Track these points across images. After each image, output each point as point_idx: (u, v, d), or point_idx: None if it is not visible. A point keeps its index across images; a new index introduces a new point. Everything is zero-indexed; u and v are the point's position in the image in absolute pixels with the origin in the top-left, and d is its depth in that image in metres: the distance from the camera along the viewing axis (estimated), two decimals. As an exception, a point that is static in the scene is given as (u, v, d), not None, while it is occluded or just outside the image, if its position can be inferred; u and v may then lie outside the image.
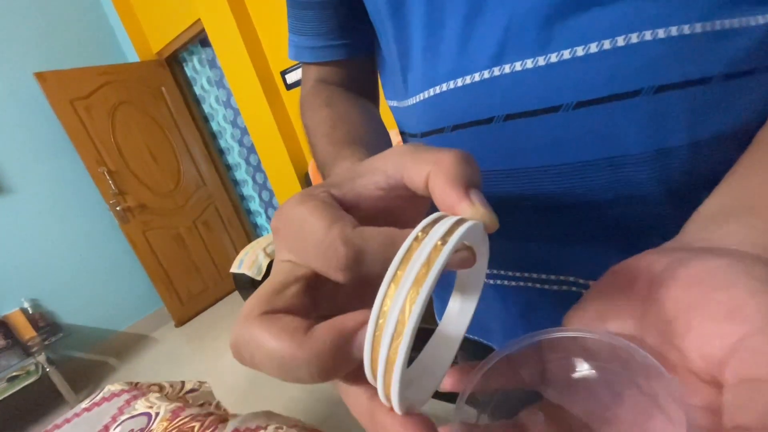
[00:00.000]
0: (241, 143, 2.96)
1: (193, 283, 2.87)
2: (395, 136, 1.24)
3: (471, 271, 0.18)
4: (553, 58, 0.22)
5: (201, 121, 3.07)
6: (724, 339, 0.12)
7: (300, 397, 1.65)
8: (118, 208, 2.51)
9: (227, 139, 3.07)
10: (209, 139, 3.11)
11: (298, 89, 2.22)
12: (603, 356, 0.16)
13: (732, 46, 0.20)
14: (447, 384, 0.19)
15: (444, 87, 0.27)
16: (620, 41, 0.21)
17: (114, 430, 0.84)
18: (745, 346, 0.12)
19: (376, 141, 0.28)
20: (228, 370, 2.03)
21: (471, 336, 0.41)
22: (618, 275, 0.17)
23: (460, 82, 0.26)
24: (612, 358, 0.16)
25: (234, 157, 3.11)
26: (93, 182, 2.48)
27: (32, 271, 2.35)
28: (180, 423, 0.80)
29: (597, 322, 0.17)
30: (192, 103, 3.01)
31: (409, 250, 0.13)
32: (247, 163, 3.01)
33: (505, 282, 0.32)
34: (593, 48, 0.21)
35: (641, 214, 0.24)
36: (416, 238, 0.13)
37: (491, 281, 0.33)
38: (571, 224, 0.26)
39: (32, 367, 2.08)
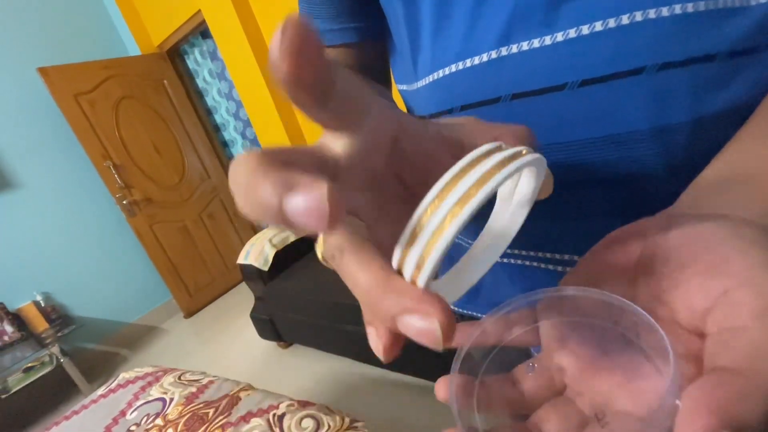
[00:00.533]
0: (244, 135, 2.97)
1: (201, 275, 2.90)
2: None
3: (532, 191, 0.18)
4: (559, 37, 0.23)
5: (204, 113, 3.07)
6: (708, 292, 0.13)
7: (307, 386, 1.68)
8: (124, 202, 2.53)
9: (231, 132, 3.07)
10: (212, 132, 3.11)
11: (300, 80, 2.21)
12: (596, 313, 0.17)
13: (734, 25, 0.20)
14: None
15: (453, 68, 0.27)
16: (624, 19, 0.21)
17: (130, 414, 0.87)
18: (727, 298, 0.12)
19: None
20: (236, 361, 2.07)
21: (476, 313, 0.41)
22: (612, 240, 0.18)
23: (468, 63, 0.26)
24: (604, 314, 0.16)
25: (238, 149, 3.11)
26: (99, 176, 2.50)
27: (43, 265, 2.39)
28: (194, 408, 0.82)
29: (591, 284, 0.17)
30: (194, 95, 3.01)
31: (462, 171, 0.12)
32: (251, 155, 3.02)
33: (512, 260, 0.32)
34: (598, 26, 0.22)
35: (645, 191, 0.24)
36: (472, 162, 0.13)
37: (499, 259, 0.33)
38: (576, 202, 0.27)
39: (46, 358, 2.12)
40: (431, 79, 0.29)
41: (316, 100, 0.13)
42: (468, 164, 0.13)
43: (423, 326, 0.11)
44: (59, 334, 2.20)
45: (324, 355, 1.81)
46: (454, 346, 0.19)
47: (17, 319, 2.22)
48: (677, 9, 0.20)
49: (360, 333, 1.47)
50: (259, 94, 2.25)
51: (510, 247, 0.32)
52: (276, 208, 0.10)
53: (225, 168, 3.14)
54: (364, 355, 1.59)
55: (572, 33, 0.22)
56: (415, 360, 1.35)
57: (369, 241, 0.14)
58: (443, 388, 0.18)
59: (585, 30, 0.22)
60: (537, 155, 0.14)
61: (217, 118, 3.10)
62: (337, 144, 0.14)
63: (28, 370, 2.10)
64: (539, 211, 0.29)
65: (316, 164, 0.14)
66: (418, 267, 0.12)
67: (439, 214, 0.12)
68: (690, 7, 0.20)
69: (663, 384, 0.13)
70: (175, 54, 2.88)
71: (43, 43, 2.45)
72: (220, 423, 0.74)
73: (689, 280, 0.14)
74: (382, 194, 0.16)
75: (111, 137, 2.52)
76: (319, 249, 0.16)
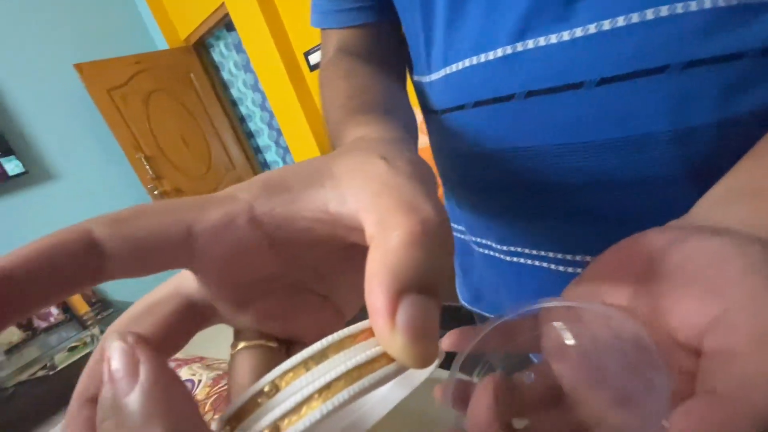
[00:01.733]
0: (270, 126, 3.02)
1: (228, 263, 3.01)
2: (419, 115, 1.21)
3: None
4: (578, 32, 0.22)
5: (229, 105, 3.14)
6: (707, 311, 0.13)
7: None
8: (155, 192, 2.64)
9: (257, 122, 3.13)
10: (237, 123, 3.18)
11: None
12: (595, 326, 0.17)
13: (766, 21, 0.19)
14: (446, 344, 0.20)
15: (466, 63, 0.26)
16: (649, 14, 0.20)
17: (162, 394, 0.92)
18: (725, 319, 0.12)
19: (397, 113, 0.26)
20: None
21: (482, 312, 0.41)
22: (618, 251, 0.18)
23: (482, 58, 0.25)
24: (605, 327, 0.16)
25: (264, 139, 3.17)
26: (132, 168, 2.61)
27: (83, 252, 2.54)
28: (220, 389, 0.86)
29: (594, 295, 0.17)
30: (220, 87, 3.08)
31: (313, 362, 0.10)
32: (277, 144, 3.07)
33: (521, 259, 0.32)
34: (620, 21, 0.21)
35: (661, 195, 0.23)
36: (298, 367, 0.10)
37: (507, 258, 0.33)
38: (590, 203, 0.26)
39: (88, 339, 2.28)
40: (444, 73, 0.29)
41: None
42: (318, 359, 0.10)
43: None
44: (99, 317, 2.35)
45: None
46: (455, 350, 0.19)
47: (62, 302, 2.38)
48: (707, 3, 0.19)
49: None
50: (282, 85, 2.28)
51: (519, 245, 0.32)
52: None
53: (249, 158, 3.21)
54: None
55: (592, 28, 0.21)
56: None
57: None
58: (444, 389, 0.18)
59: (606, 25, 0.21)
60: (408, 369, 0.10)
61: (243, 110, 3.17)
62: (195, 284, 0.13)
63: (72, 349, 2.26)
64: (550, 212, 0.28)
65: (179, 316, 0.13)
66: None
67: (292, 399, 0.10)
68: (721, 1, 0.19)
69: (655, 401, 0.13)
70: (201, 47, 2.94)
71: (78, 40, 2.56)
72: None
73: (689, 297, 0.13)
74: (292, 293, 0.14)
75: (142, 130, 2.62)
76: None
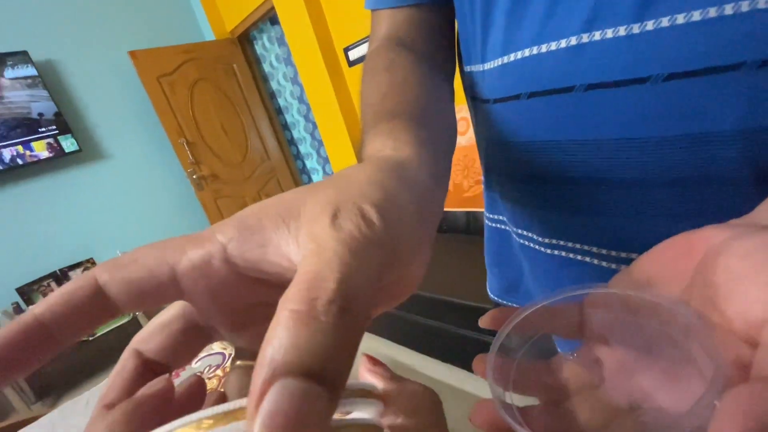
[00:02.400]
0: (306, 118, 3.09)
1: (256, 249, 3.11)
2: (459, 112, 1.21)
3: None
4: (649, 26, 0.21)
5: (268, 97, 3.23)
6: (766, 303, 0.12)
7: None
8: (194, 176, 2.76)
9: (293, 114, 3.20)
10: (274, 115, 3.27)
11: (359, 66, 2.25)
12: (644, 314, 0.17)
13: None
14: (486, 322, 0.20)
15: (526, 53, 0.26)
16: (728, 9, 0.19)
17: (195, 363, 0.97)
18: None
19: (431, 115, 0.25)
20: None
21: (513, 304, 0.41)
22: (672, 245, 0.17)
23: (544, 48, 0.25)
24: (653, 316, 0.16)
25: (300, 131, 3.25)
26: (174, 152, 2.74)
27: (125, 227, 2.70)
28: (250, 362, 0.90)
29: (643, 285, 0.17)
30: (260, 79, 3.17)
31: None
32: (312, 137, 3.14)
33: (562, 253, 0.32)
34: (696, 16, 0.20)
35: (721, 196, 0.22)
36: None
37: (548, 250, 0.33)
38: (645, 200, 0.25)
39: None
40: (501, 62, 0.28)
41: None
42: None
43: None
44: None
45: (366, 336, 1.87)
46: (496, 329, 0.19)
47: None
48: None
49: (394, 315, 1.50)
50: (321, 79, 2.33)
51: (563, 239, 0.31)
52: None
53: (284, 150, 3.30)
54: (399, 336, 1.62)
55: (665, 22, 0.20)
56: (453, 348, 1.36)
57: None
58: (481, 363, 0.18)
59: (680, 19, 0.20)
60: None
61: (281, 102, 3.25)
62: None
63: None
64: (602, 207, 0.27)
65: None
66: None
67: None
68: None
69: (706, 386, 0.13)
70: (245, 39, 3.04)
71: (133, 28, 2.71)
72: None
73: (747, 291, 0.13)
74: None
75: (185, 116, 2.75)
76: None
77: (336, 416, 0.15)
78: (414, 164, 0.18)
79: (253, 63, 3.13)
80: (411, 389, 0.12)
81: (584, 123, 0.25)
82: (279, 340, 0.09)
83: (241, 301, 0.14)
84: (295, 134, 3.31)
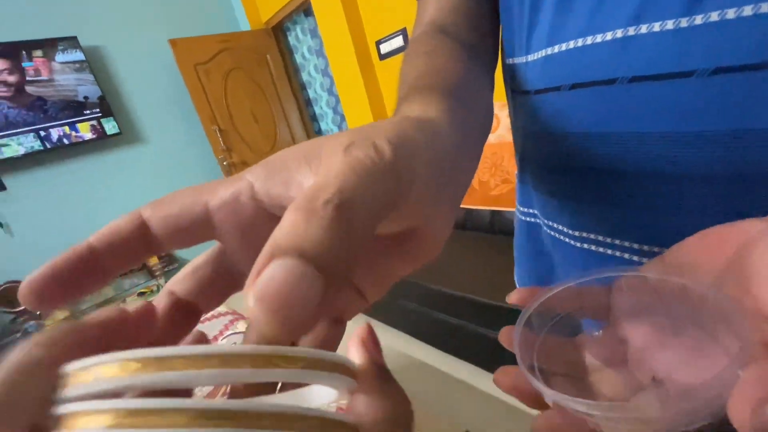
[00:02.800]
0: (335, 110, 3.12)
1: (280, 237, 3.19)
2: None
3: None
4: (698, 20, 0.21)
5: (298, 88, 3.28)
6: None
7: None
8: (224, 163, 2.85)
9: (322, 106, 3.25)
10: (303, 106, 3.32)
11: (390, 60, 2.25)
12: (672, 297, 0.17)
13: None
14: (514, 298, 0.20)
15: (571, 44, 0.26)
16: None
17: (222, 340, 1.02)
18: None
19: (467, 96, 0.25)
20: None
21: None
22: (708, 235, 0.17)
23: (590, 41, 0.25)
24: (682, 299, 0.16)
25: (327, 123, 3.29)
26: (207, 139, 2.84)
27: (158, 210, 2.82)
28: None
29: (675, 271, 0.17)
30: (292, 70, 3.23)
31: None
32: (339, 129, 3.17)
33: (592, 246, 0.32)
34: (747, 11, 0.19)
35: (761, 194, 0.22)
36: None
37: (578, 244, 0.33)
38: (682, 195, 0.25)
39: (155, 287, 2.53)
40: (545, 54, 0.28)
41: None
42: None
43: None
44: (165, 269, 2.59)
45: (382, 327, 1.90)
46: (522, 304, 0.20)
47: (136, 252, 2.67)
48: None
49: (414, 311, 1.51)
50: (351, 71, 2.35)
51: (593, 232, 0.31)
52: None
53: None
54: (418, 331, 1.63)
55: (714, 16, 0.20)
56: (470, 345, 1.36)
57: None
58: (508, 334, 0.19)
59: (730, 14, 0.20)
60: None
61: (310, 93, 3.30)
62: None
63: (141, 294, 2.53)
64: (635, 201, 0.27)
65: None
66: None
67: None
68: None
69: (731, 363, 0.13)
70: (279, 30, 3.10)
71: (173, 16, 2.81)
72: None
73: None
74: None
75: (219, 104, 2.83)
76: None
77: (299, 393, 0.14)
78: (439, 127, 0.18)
79: (286, 54, 3.18)
80: (391, 388, 0.12)
81: (626, 115, 0.25)
82: (280, 229, 0.10)
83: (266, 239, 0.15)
84: (323, 126, 3.36)
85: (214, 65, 2.78)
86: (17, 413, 0.10)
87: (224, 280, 0.17)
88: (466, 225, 1.80)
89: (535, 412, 0.18)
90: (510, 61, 0.34)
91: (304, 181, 0.13)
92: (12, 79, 2.20)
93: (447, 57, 0.29)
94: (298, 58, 3.21)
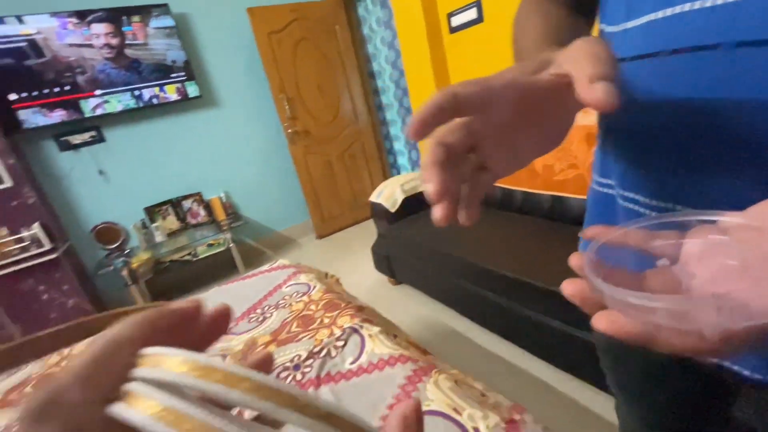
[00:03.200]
0: (397, 85, 3.12)
1: (334, 206, 3.31)
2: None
3: None
4: None
5: (363, 61, 3.30)
6: None
7: (407, 322, 1.84)
8: (289, 131, 2.99)
9: (385, 80, 3.25)
10: (367, 79, 3.35)
11: (460, 33, 2.19)
12: (746, 240, 0.17)
13: None
14: (588, 234, 0.22)
15: (677, 9, 0.26)
16: None
17: (285, 288, 1.12)
18: None
19: None
20: (351, 283, 2.37)
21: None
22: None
23: (698, 5, 0.25)
24: (758, 243, 0.17)
25: (389, 97, 3.30)
26: (274, 106, 2.98)
27: (229, 170, 3.05)
28: (331, 296, 1.01)
29: (753, 222, 0.18)
30: (359, 42, 3.24)
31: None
32: (400, 104, 3.17)
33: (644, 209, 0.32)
34: None
35: None
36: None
37: (653, 214, 0.33)
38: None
39: (221, 241, 2.78)
40: (647, 20, 0.29)
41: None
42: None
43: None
44: (231, 225, 2.83)
45: (428, 300, 1.95)
46: (595, 238, 0.21)
47: (207, 207, 2.92)
48: None
49: (463, 287, 1.53)
50: (419, 44, 2.32)
51: (669, 201, 0.31)
52: None
53: (372, 114, 3.38)
54: (466, 308, 1.66)
55: None
56: (518, 327, 1.37)
57: None
58: (578, 258, 0.21)
59: None
60: None
61: (374, 66, 3.31)
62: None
63: (210, 245, 2.79)
64: (721, 168, 0.27)
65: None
66: None
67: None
68: None
69: None
70: (349, 1, 3.11)
71: (253, -14, 2.92)
72: (349, 313, 0.90)
73: None
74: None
75: (288, 73, 2.95)
76: None
77: None
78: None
79: (354, 26, 3.20)
80: None
81: (726, 82, 0.25)
82: (593, 68, 0.22)
83: (496, 115, 0.25)
84: (384, 100, 3.37)
85: (285, 35, 2.88)
86: (103, 380, 0.13)
87: (465, 143, 0.25)
88: (524, 209, 1.76)
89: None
90: (608, 29, 0.35)
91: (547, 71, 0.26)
92: (114, 42, 2.45)
93: (559, 19, 0.36)
94: (365, 30, 3.22)
